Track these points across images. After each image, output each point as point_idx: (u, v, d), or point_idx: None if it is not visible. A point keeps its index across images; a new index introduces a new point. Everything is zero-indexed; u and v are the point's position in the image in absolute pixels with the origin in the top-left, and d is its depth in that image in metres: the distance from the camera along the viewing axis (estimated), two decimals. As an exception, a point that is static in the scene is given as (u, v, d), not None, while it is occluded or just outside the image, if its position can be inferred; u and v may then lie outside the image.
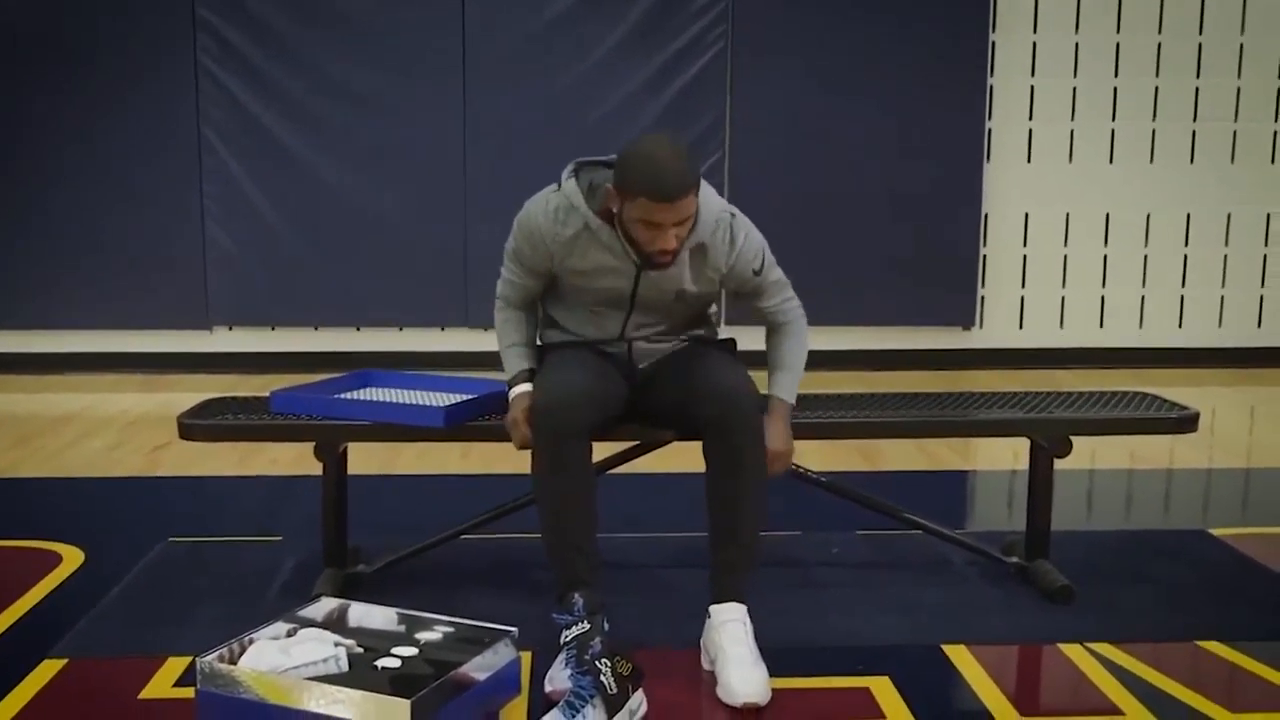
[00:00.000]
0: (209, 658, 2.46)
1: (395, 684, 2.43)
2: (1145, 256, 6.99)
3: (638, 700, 2.46)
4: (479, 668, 2.49)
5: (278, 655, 2.50)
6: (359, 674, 2.49)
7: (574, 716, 2.35)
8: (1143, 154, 6.88)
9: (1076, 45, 6.78)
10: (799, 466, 3.30)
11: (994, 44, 6.72)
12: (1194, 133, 6.88)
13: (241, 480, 4.48)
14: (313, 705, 2.35)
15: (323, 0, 6.44)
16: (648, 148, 2.68)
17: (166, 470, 4.63)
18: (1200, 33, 6.78)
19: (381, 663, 2.55)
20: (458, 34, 6.48)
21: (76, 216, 6.53)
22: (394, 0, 6.44)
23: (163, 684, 2.66)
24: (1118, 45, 6.78)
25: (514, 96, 6.50)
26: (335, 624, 2.74)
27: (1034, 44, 6.77)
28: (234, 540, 3.69)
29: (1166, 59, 6.79)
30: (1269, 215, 6.98)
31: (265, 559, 3.46)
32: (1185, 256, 7.00)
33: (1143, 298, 7.02)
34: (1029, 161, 6.87)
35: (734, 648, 2.62)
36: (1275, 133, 6.90)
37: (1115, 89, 6.82)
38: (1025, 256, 6.96)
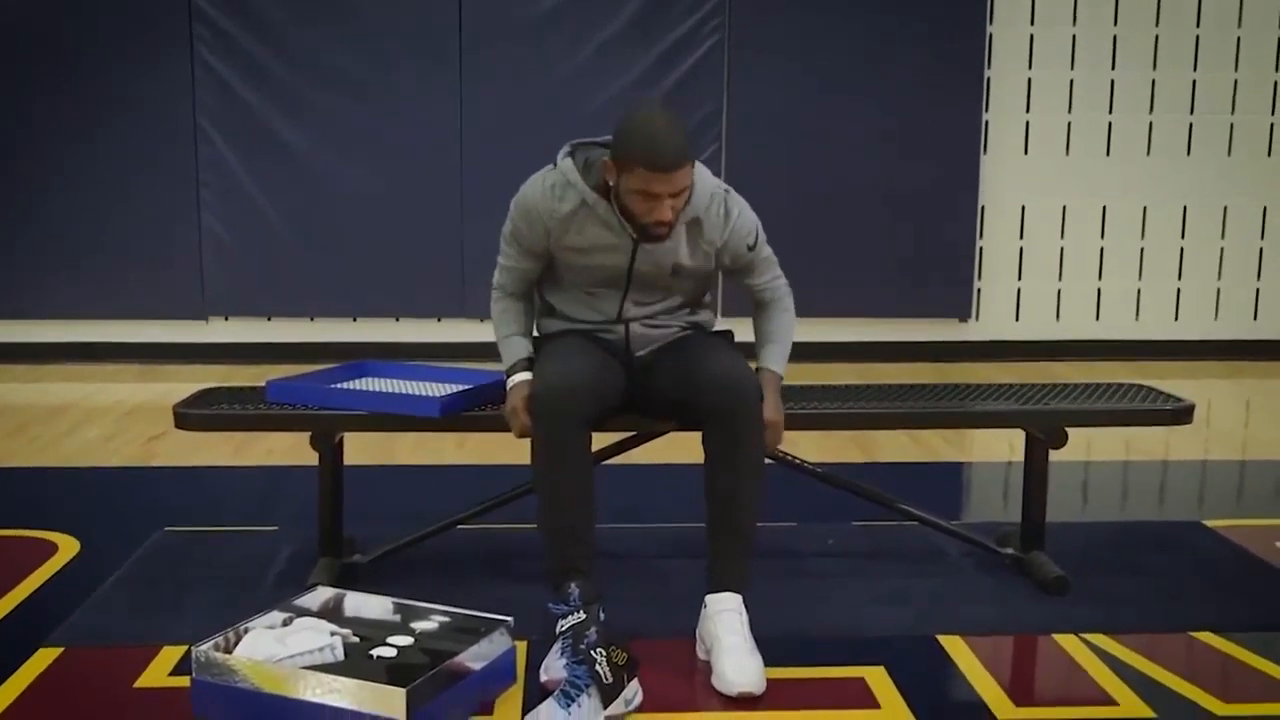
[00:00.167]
0: (204, 646, 2.46)
1: (391, 673, 2.43)
2: (1142, 249, 7.00)
3: (633, 690, 2.46)
4: (474, 657, 2.49)
5: (273, 644, 2.50)
6: (354, 663, 2.49)
7: (569, 706, 2.35)
8: (1139, 147, 6.89)
9: (1074, 38, 6.78)
10: (794, 457, 3.30)
11: (991, 36, 6.72)
12: (1191, 125, 6.88)
13: (237, 470, 4.48)
14: (308, 694, 2.35)
15: (319, -10, 6.45)
16: (644, 119, 2.71)
17: (162, 460, 4.62)
18: (1198, 25, 6.78)
19: (377, 652, 2.55)
20: (454, 25, 6.48)
21: (72, 207, 6.52)
22: (391, -10, 6.45)
23: (158, 672, 2.66)
24: (1115, 38, 6.78)
25: (511, 87, 6.50)
26: (331, 613, 2.74)
27: (1031, 36, 6.77)
28: (230, 530, 3.69)
29: (1164, 52, 6.80)
30: (1265, 208, 6.99)
31: (261, 548, 3.46)
32: (1181, 249, 7.01)
33: (1139, 290, 7.03)
34: (1026, 154, 6.88)
35: (729, 637, 2.62)
36: (1272, 125, 6.91)
37: (1112, 82, 6.82)
38: (1022, 249, 6.97)
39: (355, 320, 6.79)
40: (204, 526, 3.72)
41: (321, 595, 2.80)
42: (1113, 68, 6.81)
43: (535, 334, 3.09)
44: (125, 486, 4.36)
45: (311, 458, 3.16)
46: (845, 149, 6.67)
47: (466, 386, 3.12)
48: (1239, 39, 6.80)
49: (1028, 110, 6.84)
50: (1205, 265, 7.02)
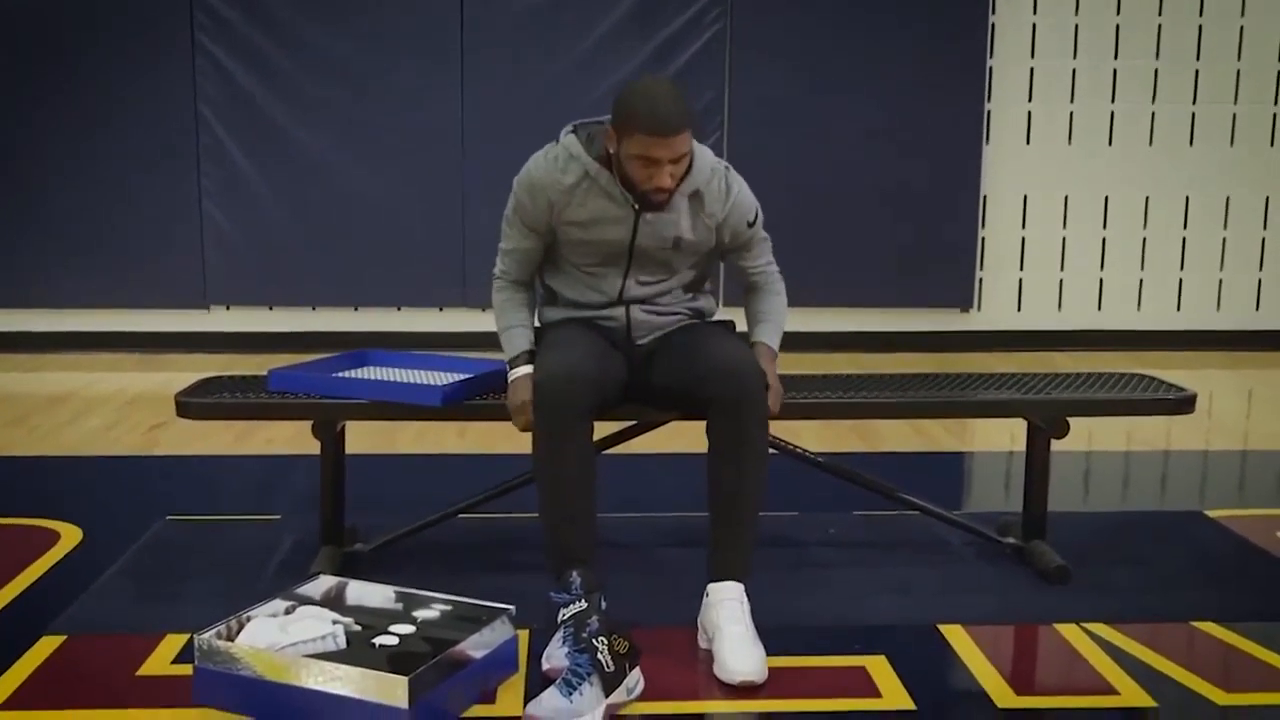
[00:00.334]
0: (207, 635, 2.46)
1: (393, 661, 2.44)
2: (1144, 239, 6.99)
3: (635, 678, 2.46)
4: (476, 645, 2.49)
5: (275, 632, 2.50)
6: (356, 651, 2.50)
7: (571, 694, 2.35)
8: (1142, 137, 6.88)
9: (1076, 27, 6.76)
10: (796, 447, 3.31)
11: (993, 26, 6.70)
12: (1193, 115, 6.87)
13: (239, 459, 4.49)
14: (310, 682, 2.35)
15: (321, -21, 6.44)
16: (645, 86, 2.75)
17: (164, 449, 4.63)
18: (1200, 15, 6.77)
19: (379, 640, 2.55)
20: (456, 14, 6.47)
21: (74, 196, 6.51)
22: (392, -21, 6.44)
23: (161, 661, 2.67)
24: (1117, 27, 6.76)
25: (512, 76, 6.49)
26: (333, 602, 2.74)
27: (1033, 26, 6.75)
28: (232, 518, 3.69)
29: (1166, 41, 6.78)
30: (1268, 198, 6.98)
31: (263, 537, 3.47)
32: (1184, 239, 7.00)
33: (1141, 280, 7.02)
34: (1028, 144, 6.86)
35: (731, 626, 2.62)
36: (1275, 116, 6.89)
37: (1115, 71, 6.81)
38: (1024, 239, 6.96)
39: (357, 309, 6.78)
40: (206, 515, 3.72)
41: (323, 584, 2.80)
42: (1115, 58, 6.79)
43: (536, 324, 3.10)
44: (127, 475, 4.36)
45: (313, 446, 3.16)
46: (847, 140, 6.66)
47: (468, 375, 3.12)
48: (1242, 29, 6.78)
49: (1030, 100, 6.82)
50: (1207, 255, 7.01)
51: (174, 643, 2.73)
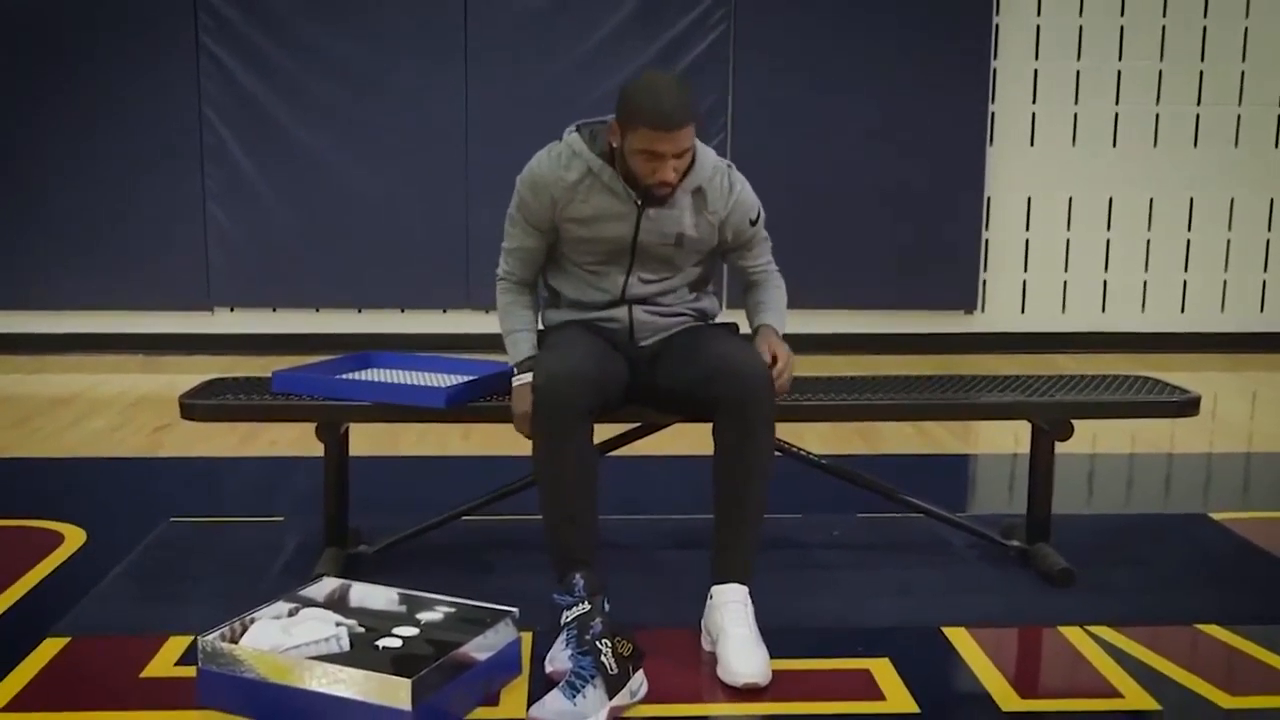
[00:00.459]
0: (210, 637, 2.46)
1: (396, 664, 2.44)
2: (1148, 241, 6.98)
3: (638, 681, 2.46)
4: (480, 648, 2.49)
5: (279, 634, 2.50)
6: (360, 653, 2.50)
7: (574, 697, 2.35)
8: (1146, 138, 6.87)
9: (1080, 29, 6.76)
10: (799, 449, 3.30)
11: (997, 27, 6.70)
12: (1197, 117, 6.86)
13: (243, 461, 4.49)
14: (314, 684, 2.36)
15: (325, -20, 6.44)
16: (649, 81, 2.77)
17: (168, 450, 4.63)
18: (1204, 16, 6.76)
19: (382, 642, 2.55)
20: (459, 14, 6.47)
21: (77, 197, 6.52)
22: (396, -19, 6.44)
23: (164, 663, 2.67)
24: (1121, 29, 6.76)
25: (515, 77, 6.49)
26: (336, 604, 2.74)
27: (1037, 27, 6.75)
28: (235, 520, 3.69)
29: (1170, 43, 6.77)
30: (1272, 200, 6.97)
31: (266, 539, 3.47)
32: (1188, 241, 6.99)
33: (1145, 282, 7.01)
34: (1032, 145, 6.86)
35: (735, 628, 2.62)
36: (1279, 117, 6.88)
37: (1119, 72, 6.80)
38: (1027, 240, 6.95)
39: (360, 311, 6.79)
40: (209, 517, 3.72)
41: (327, 586, 2.80)
42: (1119, 59, 6.79)
43: (540, 327, 3.10)
44: (131, 477, 4.37)
45: (317, 448, 3.16)
46: (851, 141, 6.66)
47: (471, 377, 3.12)
48: (1246, 30, 6.77)
49: (1034, 101, 6.82)
50: (1211, 257, 7.00)
51: (177, 645, 2.73)
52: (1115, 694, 2.57)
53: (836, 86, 6.61)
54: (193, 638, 2.59)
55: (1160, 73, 6.80)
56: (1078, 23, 6.75)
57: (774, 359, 2.87)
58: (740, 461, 2.76)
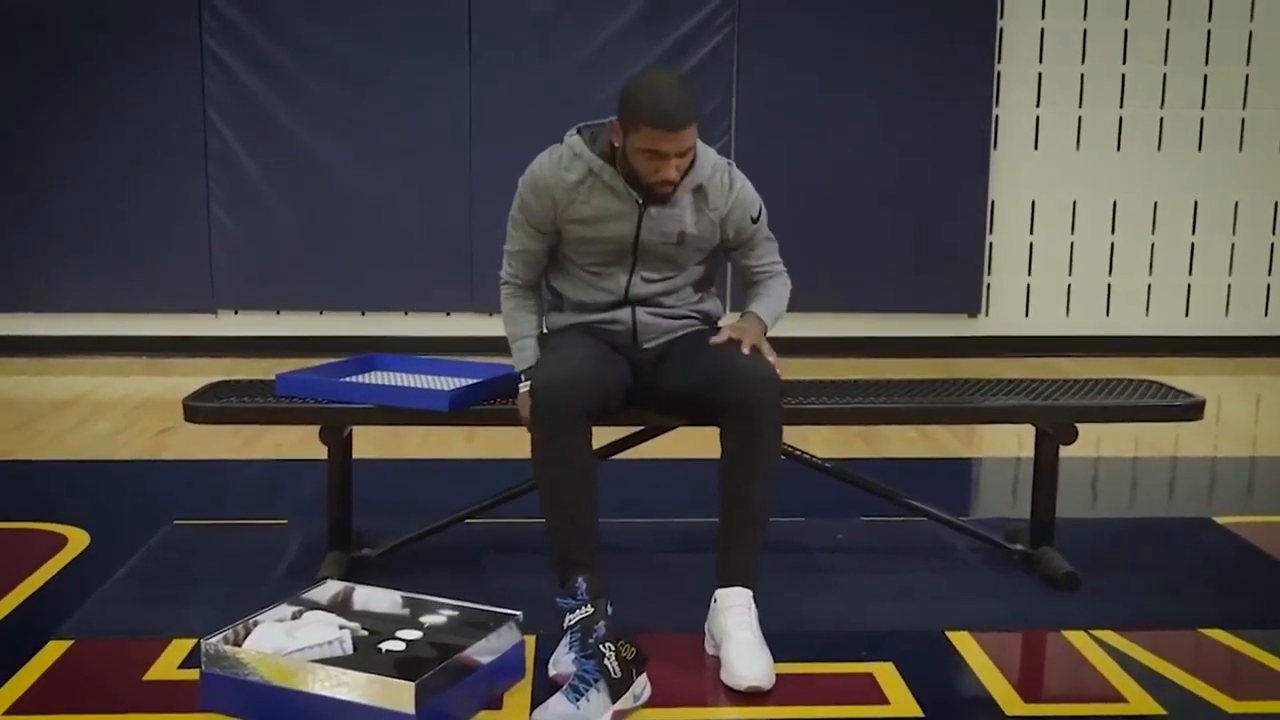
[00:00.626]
0: (214, 639, 2.46)
1: (400, 667, 2.44)
2: (1152, 244, 6.98)
3: (641, 684, 2.46)
4: (483, 651, 2.49)
5: (282, 637, 2.50)
6: (363, 657, 2.50)
7: (578, 700, 2.35)
8: (1150, 141, 6.87)
9: (1084, 32, 6.76)
10: (803, 452, 3.30)
11: (1002, 30, 6.70)
12: (1202, 120, 6.86)
13: (246, 463, 4.49)
14: (317, 687, 2.35)
15: (329, -17, 6.45)
16: (651, 80, 2.78)
17: (171, 453, 4.63)
18: (1209, 20, 6.76)
19: (386, 645, 2.55)
20: (464, 19, 6.47)
21: (80, 199, 6.53)
22: (400, -17, 6.45)
23: (168, 665, 2.67)
24: (1126, 32, 6.76)
25: (519, 81, 6.50)
26: (340, 607, 2.74)
27: (1041, 30, 6.75)
28: (239, 523, 3.69)
29: (1175, 46, 6.77)
30: (1276, 203, 6.96)
31: (270, 542, 3.47)
32: (1192, 245, 6.98)
33: (1149, 286, 7.00)
34: (1036, 148, 6.86)
35: (739, 632, 2.62)
36: (1283, 121, 6.89)
37: (1123, 76, 6.80)
38: (1032, 244, 6.95)
39: (364, 314, 6.79)
40: (213, 520, 3.72)
41: (330, 589, 2.80)
42: (1123, 62, 6.79)
43: (544, 330, 3.10)
44: (134, 479, 4.37)
45: (320, 451, 3.17)
46: (855, 144, 6.66)
47: (475, 380, 3.12)
48: (1250, 33, 6.77)
49: (1038, 105, 6.82)
50: (1216, 261, 7.00)
51: (181, 647, 2.73)
52: (1119, 698, 2.56)
53: (841, 89, 6.61)
54: (196, 640, 2.59)
55: (1164, 76, 6.80)
56: (1082, 26, 6.75)
57: (738, 343, 2.86)
58: (746, 465, 2.76)
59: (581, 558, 2.75)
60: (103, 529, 3.60)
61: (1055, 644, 2.85)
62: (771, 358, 2.87)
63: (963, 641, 2.82)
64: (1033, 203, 6.90)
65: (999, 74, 6.74)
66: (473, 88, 6.53)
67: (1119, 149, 6.87)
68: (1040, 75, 6.79)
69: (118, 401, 5.53)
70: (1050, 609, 3.02)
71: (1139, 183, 6.89)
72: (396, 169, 6.58)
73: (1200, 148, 6.88)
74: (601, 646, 2.39)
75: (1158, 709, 2.51)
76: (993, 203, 6.85)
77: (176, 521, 3.66)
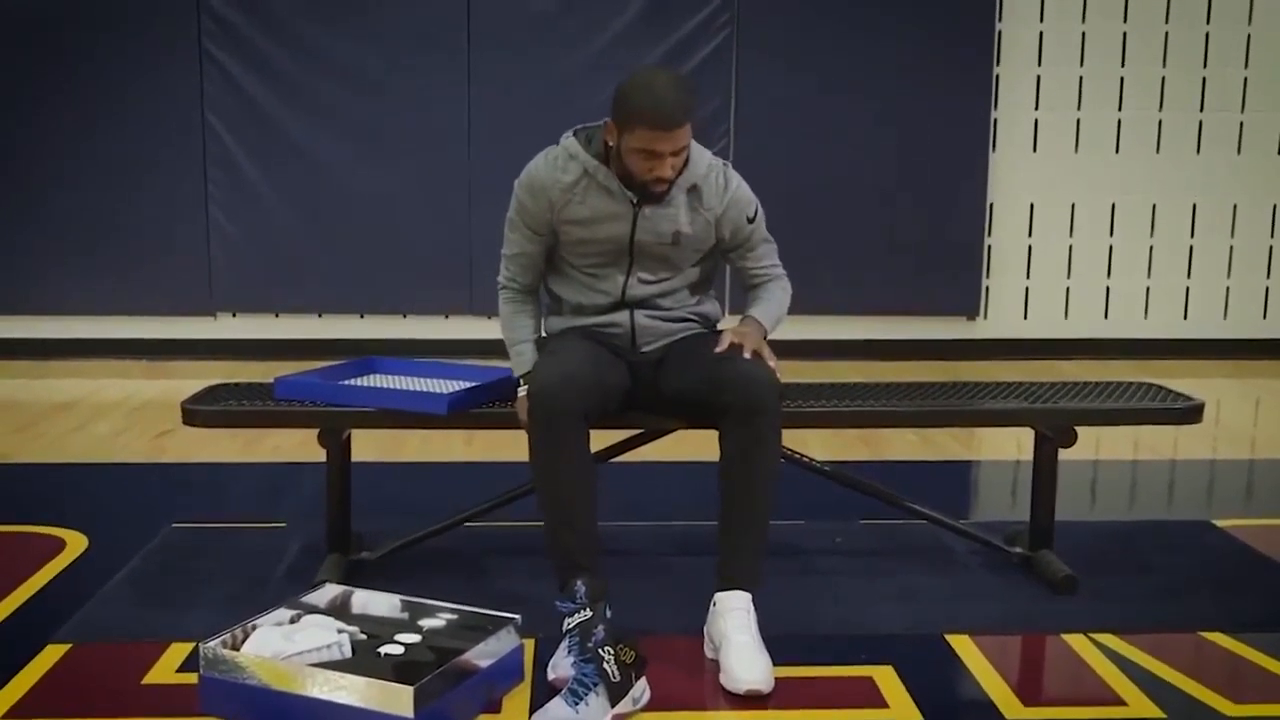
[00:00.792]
0: (212, 643, 2.46)
1: (398, 670, 2.43)
2: (1151, 247, 6.98)
3: (641, 688, 2.46)
4: (482, 655, 2.49)
5: (281, 641, 2.50)
6: (362, 660, 2.49)
7: (577, 704, 2.35)
8: (1149, 144, 6.87)
9: (1083, 35, 6.76)
10: (802, 455, 3.30)
11: (1000, 33, 6.70)
12: (1200, 123, 6.86)
13: (245, 466, 4.49)
14: (316, 691, 2.35)
15: (328, -14, 6.45)
16: (646, 79, 2.77)
17: (170, 456, 4.63)
18: (1208, 22, 6.76)
19: (384, 649, 2.55)
20: (463, 20, 6.47)
21: (79, 202, 6.52)
22: (399, -14, 6.45)
23: (166, 669, 2.66)
24: (1124, 35, 6.76)
25: (519, 83, 6.49)
26: (338, 610, 2.74)
27: (1040, 33, 6.75)
28: (237, 526, 3.69)
29: (1173, 49, 6.77)
30: (1275, 206, 6.97)
31: (269, 545, 3.46)
32: (1191, 247, 6.99)
33: (1148, 288, 7.01)
34: (1035, 151, 6.86)
35: (738, 635, 2.61)
36: (1282, 123, 6.89)
37: (1122, 79, 6.80)
38: (1030, 246, 6.95)
39: (363, 317, 6.79)
40: (212, 523, 3.72)
41: (329, 592, 2.80)
42: (1122, 65, 6.79)
43: (542, 333, 3.10)
44: (133, 482, 4.36)
45: (319, 454, 3.16)
46: (853, 146, 6.66)
47: (474, 383, 3.12)
48: (1249, 36, 6.77)
49: (1036, 107, 6.82)
50: (1214, 263, 7.00)
51: (179, 651, 2.72)
52: (1119, 701, 2.56)
53: (840, 91, 6.61)
54: (194, 644, 2.59)
55: (1163, 79, 6.80)
56: (1080, 28, 6.75)
57: (739, 348, 2.85)
58: (747, 469, 2.76)
59: (581, 561, 2.75)
60: (101, 532, 3.60)
61: (1055, 647, 2.85)
62: (772, 362, 2.87)
63: (962, 645, 2.82)
64: (1031, 205, 6.91)
65: (998, 76, 6.74)
66: (472, 90, 6.52)
67: (1118, 151, 6.87)
68: (1039, 78, 6.79)
69: (117, 404, 5.53)
70: (1050, 612, 3.02)
71: (1138, 185, 6.89)
72: (396, 172, 6.57)
73: (1199, 150, 6.88)
74: (601, 650, 2.39)
75: (1157, 712, 2.51)
76: (991, 205, 6.85)
77: (175, 524, 3.66)
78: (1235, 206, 6.95)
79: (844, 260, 6.67)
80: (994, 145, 6.79)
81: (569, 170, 2.89)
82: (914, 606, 3.06)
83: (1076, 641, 2.84)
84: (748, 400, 2.75)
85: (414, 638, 2.60)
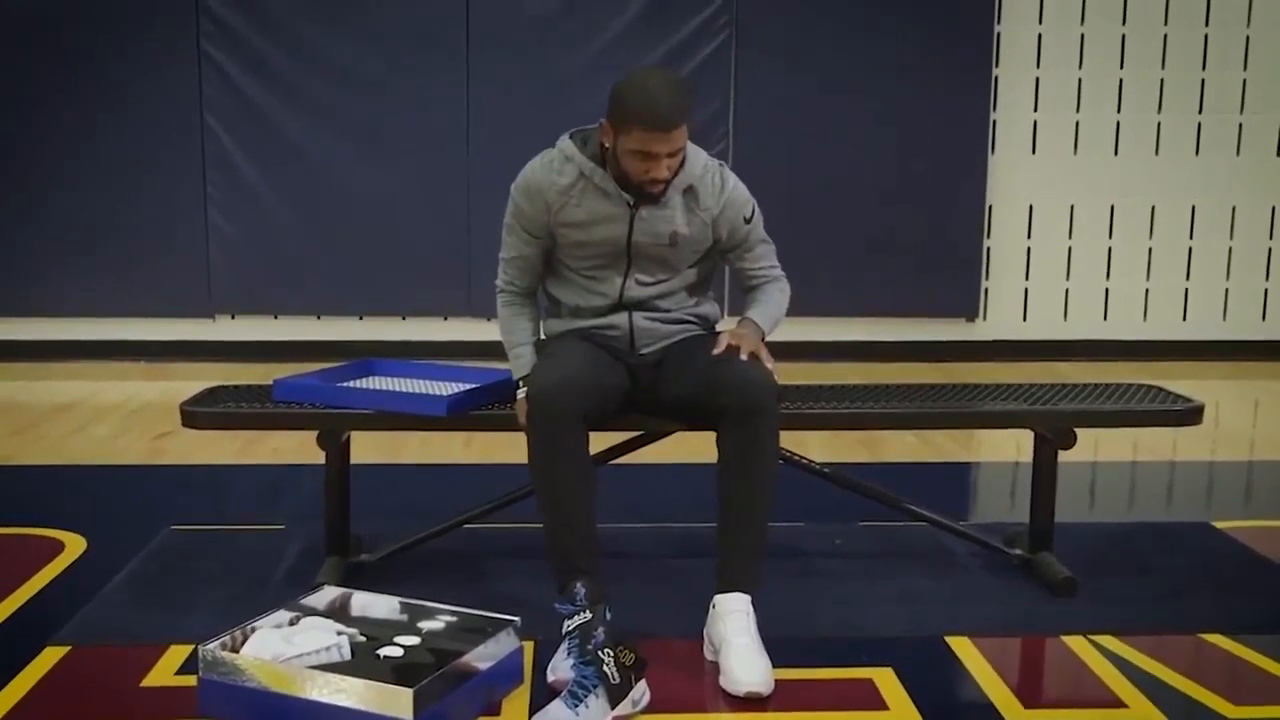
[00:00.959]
0: (211, 646, 2.46)
1: (397, 673, 2.43)
2: (1150, 249, 6.98)
3: (640, 690, 2.46)
4: (481, 657, 2.49)
5: (280, 643, 2.49)
6: (361, 663, 2.49)
7: (577, 706, 2.35)
8: (1148, 146, 6.87)
9: (1082, 36, 6.76)
10: (801, 457, 3.30)
11: (999, 35, 6.70)
12: (1199, 125, 6.86)
13: (244, 468, 4.48)
14: (315, 694, 2.35)
15: (327, -13, 6.45)
16: (641, 80, 2.76)
17: (169, 458, 4.63)
18: (1206, 24, 6.76)
19: (384, 651, 2.54)
20: (462, 22, 6.47)
21: (78, 204, 6.52)
22: (398, -12, 6.45)
23: (165, 672, 2.66)
24: (1123, 37, 6.77)
25: (518, 84, 6.49)
26: (338, 612, 2.73)
27: (1039, 35, 6.75)
28: (236, 528, 3.69)
29: (1172, 50, 6.78)
30: (1274, 208, 6.97)
31: (268, 547, 3.46)
32: (1189, 249, 6.99)
33: (1147, 290, 7.01)
34: (1033, 153, 6.86)
35: (738, 638, 2.61)
36: (1281, 125, 6.90)
37: (1120, 80, 6.81)
38: (1029, 248, 6.95)
39: (362, 319, 6.79)
40: (211, 525, 3.72)
41: (328, 594, 2.80)
42: (1121, 66, 6.79)
43: (541, 336, 3.10)
44: (132, 484, 4.36)
45: (318, 456, 3.16)
46: (852, 147, 6.66)
47: (473, 385, 3.12)
48: (1248, 38, 6.78)
49: (1035, 109, 6.82)
50: (1213, 265, 7.00)
51: (178, 653, 2.72)
52: (1119, 704, 2.56)
53: (839, 92, 6.61)
54: (193, 646, 2.58)
55: (1162, 81, 6.81)
56: (1079, 30, 6.75)
57: (736, 350, 2.84)
58: (745, 471, 2.76)
59: (580, 563, 2.74)
60: (100, 534, 3.59)
61: (1054, 649, 2.85)
62: (770, 364, 2.87)
63: (962, 647, 2.82)
64: (1030, 207, 6.91)
65: (997, 78, 6.74)
66: (471, 91, 6.52)
67: (1117, 153, 6.87)
68: (1038, 79, 6.80)
69: (116, 406, 5.53)
70: (1049, 614, 3.02)
71: (1137, 187, 6.90)
72: (395, 173, 6.57)
73: (1198, 152, 6.89)
74: (600, 652, 2.39)
75: (1157, 714, 2.51)
76: (990, 207, 6.85)
77: (174, 527, 3.65)
78: (1234, 208, 6.95)
79: (843, 261, 6.67)
80: (993, 146, 6.80)
81: (565, 173, 2.89)
82: (914, 608, 3.06)
83: (1076, 643, 2.84)
84: (745, 402, 2.75)
85: (413, 640, 2.60)
